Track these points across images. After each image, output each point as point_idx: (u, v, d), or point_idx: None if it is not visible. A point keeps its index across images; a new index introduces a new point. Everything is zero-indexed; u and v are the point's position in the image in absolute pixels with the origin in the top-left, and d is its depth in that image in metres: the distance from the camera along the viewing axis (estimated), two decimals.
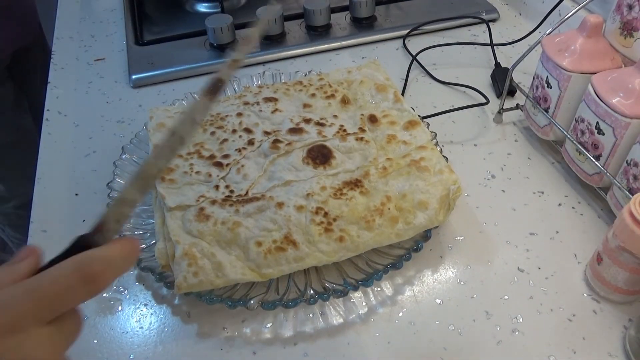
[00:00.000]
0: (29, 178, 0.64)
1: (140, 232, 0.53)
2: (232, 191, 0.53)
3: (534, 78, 0.64)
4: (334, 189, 0.52)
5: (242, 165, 0.55)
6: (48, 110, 0.74)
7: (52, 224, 0.57)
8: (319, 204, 0.51)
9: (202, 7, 0.96)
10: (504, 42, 0.83)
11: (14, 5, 0.92)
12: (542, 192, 0.60)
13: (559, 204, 0.59)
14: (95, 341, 0.47)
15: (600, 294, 0.49)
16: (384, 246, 0.51)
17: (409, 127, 0.59)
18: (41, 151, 0.67)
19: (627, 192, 0.51)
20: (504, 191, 0.60)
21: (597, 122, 0.53)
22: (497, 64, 0.78)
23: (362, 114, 0.62)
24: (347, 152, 0.57)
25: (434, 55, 0.82)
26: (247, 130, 0.60)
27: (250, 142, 0.58)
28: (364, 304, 0.50)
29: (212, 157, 0.57)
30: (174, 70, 0.79)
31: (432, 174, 0.54)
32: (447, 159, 0.57)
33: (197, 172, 0.55)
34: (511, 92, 0.72)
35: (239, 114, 0.61)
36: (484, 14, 0.89)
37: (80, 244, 0.29)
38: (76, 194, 0.61)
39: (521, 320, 0.48)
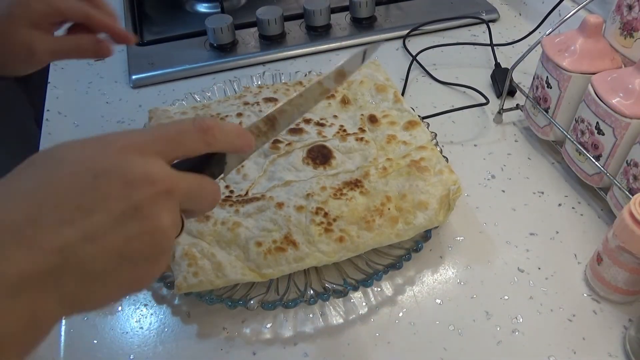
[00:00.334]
0: None
1: None
2: (232, 191, 0.53)
3: (533, 78, 0.64)
4: (334, 189, 0.52)
5: (242, 166, 0.55)
6: (48, 110, 0.74)
7: None
8: (319, 204, 0.51)
9: (202, 7, 0.96)
10: (504, 42, 0.83)
11: None
12: (542, 192, 0.60)
13: (559, 204, 0.59)
14: (95, 341, 0.47)
15: (600, 294, 0.49)
16: (384, 246, 0.51)
17: (409, 127, 0.59)
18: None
19: (627, 192, 0.51)
20: (504, 191, 0.60)
21: (597, 123, 0.53)
22: (497, 64, 0.78)
23: (362, 114, 0.62)
24: (347, 152, 0.57)
25: (434, 55, 0.82)
26: None
27: None
28: (364, 304, 0.50)
29: None
30: (174, 70, 0.79)
31: (432, 174, 0.54)
32: (447, 159, 0.57)
33: None
34: (511, 93, 0.72)
35: (239, 114, 0.62)
36: (484, 14, 0.89)
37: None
38: None
39: (521, 320, 0.48)
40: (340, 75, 0.45)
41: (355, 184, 0.53)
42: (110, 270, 0.27)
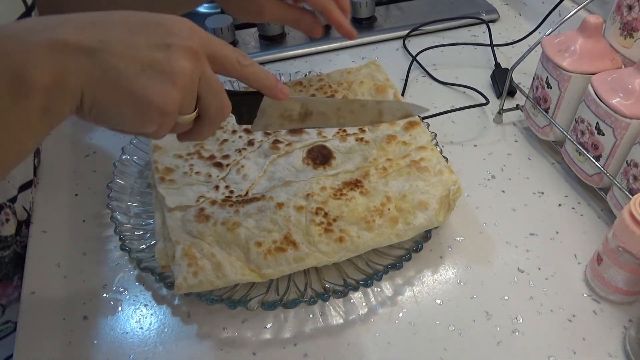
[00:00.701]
0: None
1: (140, 233, 0.53)
2: (232, 191, 0.53)
3: (533, 78, 0.64)
4: (333, 189, 0.52)
5: (242, 166, 0.56)
6: None
7: (52, 224, 0.57)
8: (319, 204, 0.51)
9: (202, 8, 0.95)
10: (504, 42, 0.83)
11: None
12: (542, 193, 0.60)
13: (559, 205, 0.59)
14: (95, 341, 0.47)
15: (600, 295, 0.49)
16: (383, 246, 0.51)
17: (408, 127, 0.59)
18: (41, 152, 0.67)
19: (627, 193, 0.51)
20: (504, 191, 0.60)
21: (597, 123, 0.53)
22: (497, 65, 0.78)
23: None
24: (347, 152, 0.57)
25: (434, 55, 0.82)
26: (247, 131, 0.60)
27: (250, 143, 0.58)
28: (363, 304, 0.50)
29: (212, 157, 0.57)
30: None
31: (432, 174, 0.54)
32: (447, 160, 0.57)
33: (197, 173, 0.55)
34: (511, 93, 0.72)
35: None
36: (484, 14, 0.89)
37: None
38: (76, 194, 0.61)
39: (521, 320, 0.48)
40: (407, 117, 0.55)
41: (355, 184, 0.53)
42: (130, 74, 0.33)
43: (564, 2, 0.77)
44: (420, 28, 0.87)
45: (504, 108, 0.69)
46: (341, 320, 0.48)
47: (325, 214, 0.50)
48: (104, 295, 0.51)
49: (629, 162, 0.51)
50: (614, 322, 0.48)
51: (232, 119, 0.61)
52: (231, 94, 0.41)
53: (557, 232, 0.56)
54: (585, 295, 0.50)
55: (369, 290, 0.51)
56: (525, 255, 0.53)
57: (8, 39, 0.31)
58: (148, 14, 0.35)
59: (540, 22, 0.80)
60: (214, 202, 0.51)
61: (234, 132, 0.60)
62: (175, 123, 0.37)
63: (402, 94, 0.74)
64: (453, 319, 0.48)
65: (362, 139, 0.58)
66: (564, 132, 0.59)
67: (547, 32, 0.60)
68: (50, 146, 0.68)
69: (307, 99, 0.51)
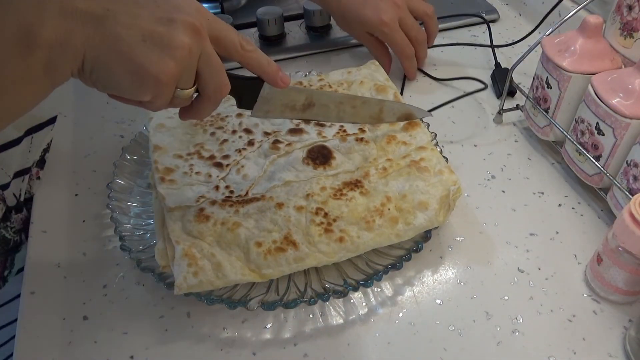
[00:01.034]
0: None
1: (140, 233, 0.53)
2: (232, 192, 0.53)
3: (533, 79, 0.64)
4: (333, 189, 0.52)
5: (242, 166, 0.56)
6: None
7: (52, 224, 0.57)
8: (319, 204, 0.51)
9: None
10: (504, 42, 0.83)
11: None
12: (542, 193, 0.60)
13: (559, 205, 0.59)
14: (95, 341, 0.47)
15: (600, 295, 0.49)
16: (383, 247, 0.51)
17: (408, 127, 0.59)
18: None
19: (627, 193, 0.51)
20: (504, 192, 0.60)
21: (597, 123, 0.53)
22: (497, 65, 0.78)
23: None
24: (347, 152, 0.57)
25: (433, 55, 0.82)
26: (247, 131, 0.60)
27: (250, 143, 0.58)
28: (364, 304, 0.50)
29: (212, 157, 0.57)
30: None
31: (432, 174, 0.54)
32: (447, 160, 0.57)
33: (197, 173, 0.55)
34: (511, 93, 0.72)
35: (239, 115, 0.62)
36: (484, 14, 0.89)
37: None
38: (76, 194, 0.61)
39: (521, 320, 0.48)
40: (408, 118, 0.56)
41: (355, 184, 0.53)
42: (131, 43, 0.35)
43: (563, 2, 0.77)
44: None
45: (504, 108, 0.69)
46: (341, 320, 0.48)
47: (325, 214, 0.50)
48: (104, 295, 0.51)
49: (629, 162, 0.51)
50: (614, 322, 0.48)
51: (232, 119, 0.62)
52: (232, 77, 0.41)
53: (557, 232, 0.56)
54: (585, 295, 0.50)
55: (369, 290, 0.51)
56: (525, 256, 0.53)
57: None
58: None
59: (540, 22, 0.80)
60: (214, 202, 0.51)
61: (234, 132, 0.60)
62: (174, 97, 0.39)
63: (402, 94, 0.74)
64: (453, 319, 0.48)
65: (362, 139, 0.58)
66: (564, 132, 0.59)
67: (547, 32, 0.60)
68: (51, 146, 0.68)
69: (312, 90, 0.52)
